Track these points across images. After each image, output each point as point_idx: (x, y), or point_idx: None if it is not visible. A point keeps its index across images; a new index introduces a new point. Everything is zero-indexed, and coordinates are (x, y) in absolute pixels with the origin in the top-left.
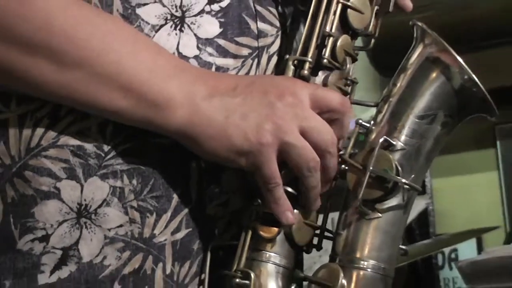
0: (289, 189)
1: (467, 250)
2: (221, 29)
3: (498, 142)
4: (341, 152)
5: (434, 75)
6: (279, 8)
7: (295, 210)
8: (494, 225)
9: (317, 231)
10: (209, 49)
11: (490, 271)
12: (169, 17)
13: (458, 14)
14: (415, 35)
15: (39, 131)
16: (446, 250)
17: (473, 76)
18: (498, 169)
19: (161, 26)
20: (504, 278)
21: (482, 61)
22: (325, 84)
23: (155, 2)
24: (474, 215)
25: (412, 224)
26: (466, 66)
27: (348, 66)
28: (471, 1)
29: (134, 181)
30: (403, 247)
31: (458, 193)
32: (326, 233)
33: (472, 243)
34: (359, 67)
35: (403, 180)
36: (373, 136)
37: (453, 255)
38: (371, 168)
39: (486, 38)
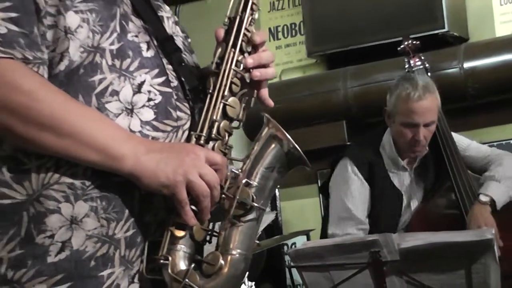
0: (193, 207)
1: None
2: (155, 116)
3: (319, 180)
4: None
5: (273, 144)
6: (190, 103)
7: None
8: (313, 229)
9: (209, 232)
10: (147, 127)
11: (305, 255)
12: (124, 109)
13: (294, 106)
14: (264, 120)
15: (49, 174)
16: (289, 243)
17: (296, 145)
18: (319, 196)
19: (119, 114)
20: (314, 259)
21: (314, 132)
22: (213, 148)
23: (116, 100)
24: (304, 223)
25: (270, 228)
26: (291, 139)
27: (226, 138)
28: (303, 98)
29: (104, 203)
30: (257, 241)
31: (296, 210)
32: (214, 233)
33: (304, 239)
34: (237, 136)
35: (256, 204)
36: (240, 178)
37: (293, 247)
38: (237, 197)
39: (314, 118)
